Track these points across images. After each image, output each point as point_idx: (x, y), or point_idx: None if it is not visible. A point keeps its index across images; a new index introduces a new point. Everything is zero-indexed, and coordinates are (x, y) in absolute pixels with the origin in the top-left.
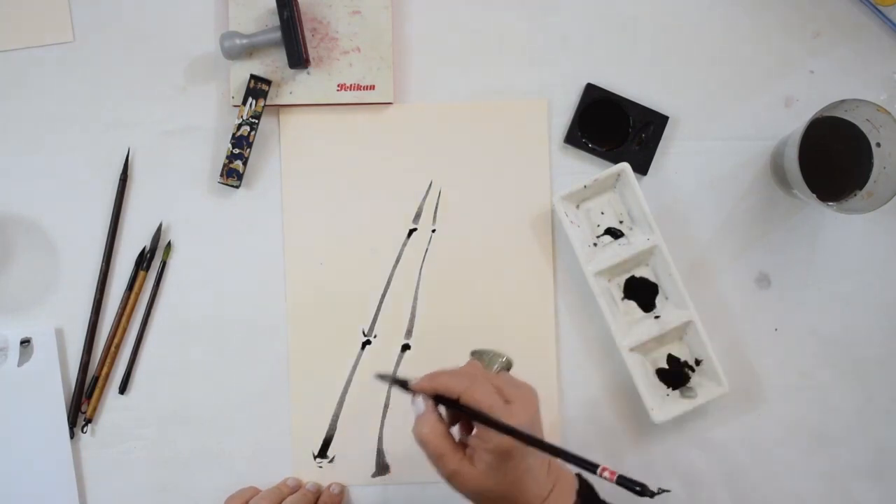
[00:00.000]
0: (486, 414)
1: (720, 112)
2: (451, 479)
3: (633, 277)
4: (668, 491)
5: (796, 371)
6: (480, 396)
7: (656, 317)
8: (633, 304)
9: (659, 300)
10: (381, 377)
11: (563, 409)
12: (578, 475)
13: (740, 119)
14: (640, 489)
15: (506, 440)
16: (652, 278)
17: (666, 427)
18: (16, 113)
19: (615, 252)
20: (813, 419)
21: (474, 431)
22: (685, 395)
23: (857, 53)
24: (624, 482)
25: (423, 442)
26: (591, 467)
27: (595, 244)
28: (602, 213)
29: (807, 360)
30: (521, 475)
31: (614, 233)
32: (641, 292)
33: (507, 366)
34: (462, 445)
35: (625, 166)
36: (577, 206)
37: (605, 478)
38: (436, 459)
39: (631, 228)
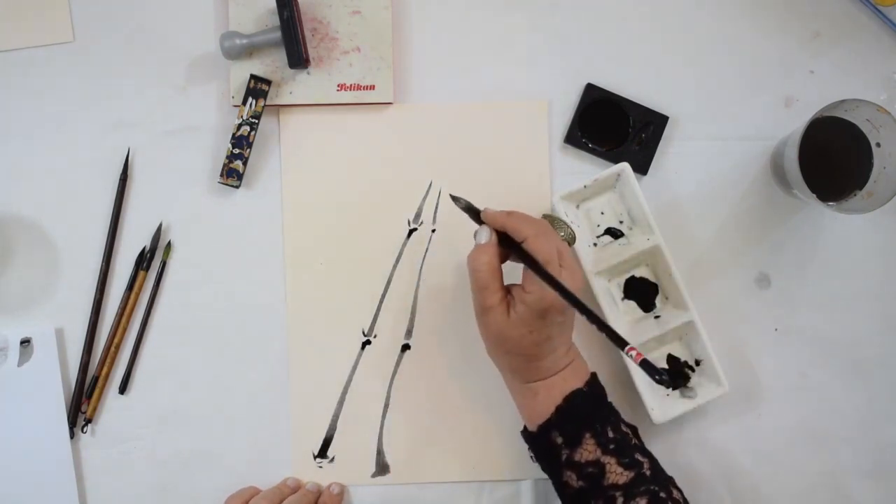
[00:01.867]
0: (541, 264)
1: (720, 112)
2: (484, 314)
3: (633, 277)
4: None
5: (796, 371)
6: (544, 247)
7: (656, 317)
8: (632, 304)
9: (659, 300)
10: (455, 199)
11: None
12: (593, 373)
13: (740, 119)
14: (659, 377)
15: (547, 297)
16: (652, 278)
17: (666, 427)
18: (16, 113)
19: (615, 252)
20: (813, 419)
21: (521, 281)
22: (685, 395)
23: (857, 53)
24: (646, 366)
25: (473, 269)
26: (622, 343)
27: (595, 244)
28: (602, 213)
29: (807, 360)
30: (543, 339)
31: (614, 233)
32: (641, 292)
33: (571, 239)
34: (507, 290)
35: (625, 166)
36: (577, 206)
37: (632, 357)
38: (478, 290)
39: (631, 228)
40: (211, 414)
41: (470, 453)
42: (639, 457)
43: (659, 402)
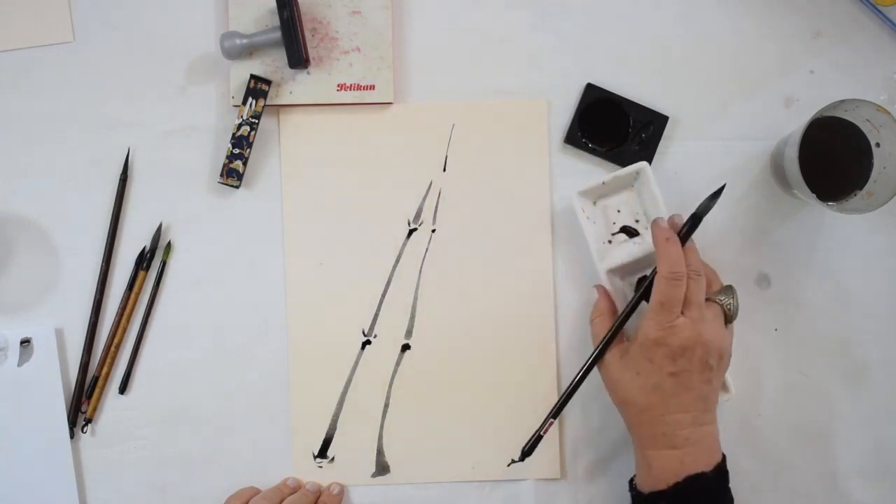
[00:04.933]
0: (651, 293)
1: (720, 112)
2: (601, 366)
3: (645, 277)
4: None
5: (796, 371)
6: (665, 290)
7: None
8: (644, 304)
9: None
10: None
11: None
12: (723, 456)
13: (740, 119)
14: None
15: (649, 331)
16: None
17: None
18: (16, 113)
19: (629, 251)
20: (813, 419)
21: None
22: None
23: (857, 53)
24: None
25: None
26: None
27: (609, 241)
28: (619, 211)
29: (807, 360)
30: (651, 387)
31: (630, 231)
32: None
33: (728, 308)
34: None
35: (644, 165)
36: (595, 203)
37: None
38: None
39: (647, 227)
40: (211, 414)
41: (470, 453)
42: None
43: None
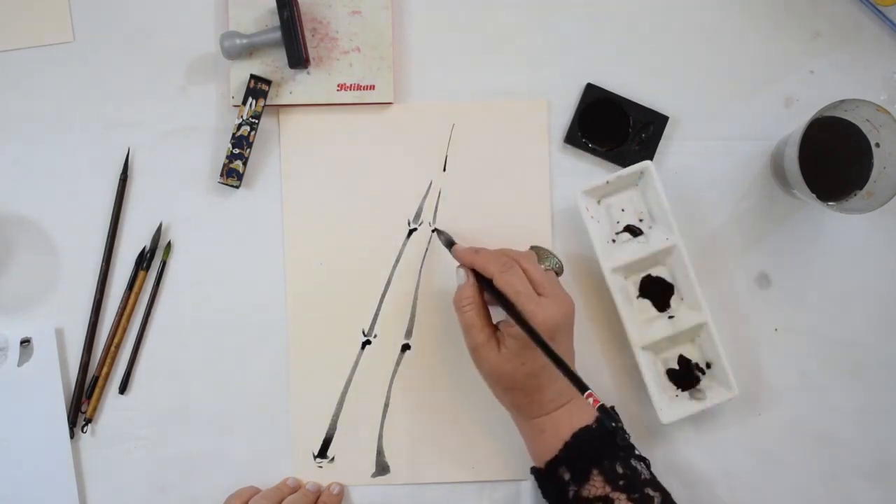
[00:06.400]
0: (509, 299)
1: (720, 112)
2: (475, 353)
3: (649, 276)
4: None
5: (796, 371)
6: (511, 282)
7: (670, 317)
8: (647, 303)
9: (674, 300)
10: (438, 232)
11: None
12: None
13: (740, 119)
14: (615, 424)
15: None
16: (668, 278)
17: (665, 426)
18: (16, 113)
19: (633, 250)
20: (813, 419)
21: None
22: (694, 396)
23: (857, 53)
24: (603, 411)
25: (457, 308)
26: (582, 388)
27: (613, 240)
28: (623, 210)
29: (807, 360)
30: (538, 370)
31: (633, 230)
32: (657, 292)
33: (557, 268)
34: (495, 327)
35: (648, 164)
36: (599, 202)
37: (589, 403)
38: (466, 329)
39: (650, 227)
40: (211, 414)
41: (470, 453)
42: (650, 491)
43: (668, 403)
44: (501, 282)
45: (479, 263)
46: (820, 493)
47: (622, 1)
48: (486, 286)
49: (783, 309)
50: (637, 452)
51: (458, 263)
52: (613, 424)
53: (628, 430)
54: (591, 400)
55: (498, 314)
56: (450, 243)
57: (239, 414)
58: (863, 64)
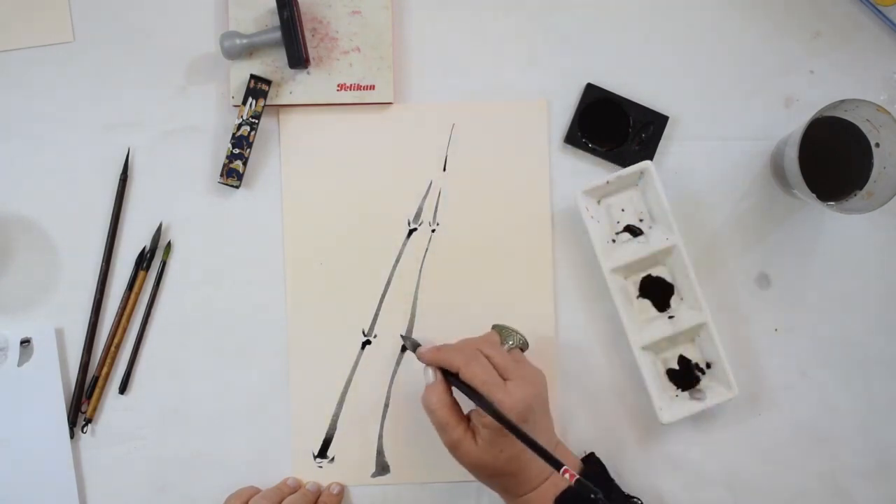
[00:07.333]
0: (478, 391)
1: (720, 112)
2: (452, 450)
3: (649, 276)
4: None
5: (796, 371)
6: (476, 373)
7: (670, 317)
8: (647, 303)
9: (674, 301)
10: (404, 338)
11: (562, 408)
12: (586, 458)
13: (740, 119)
14: (594, 496)
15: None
16: (668, 278)
17: (665, 426)
18: (16, 113)
19: (633, 250)
20: (813, 419)
21: (475, 407)
22: (694, 396)
23: (857, 53)
24: (581, 485)
25: (428, 411)
26: (557, 465)
27: (613, 240)
28: (623, 210)
29: (807, 360)
30: (518, 453)
31: (633, 230)
32: (657, 292)
33: (522, 345)
34: (468, 418)
35: (648, 164)
36: (599, 202)
37: (566, 479)
38: (439, 429)
39: (650, 227)
40: (211, 414)
41: None
42: None
43: (668, 403)
44: (467, 374)
45: (443, 360)
46: (820, 493)
47: (622, 1)
48: (453, 381)
49: (783, 309)
50: (626, 494)
51: (423, 365)
52: (592, 497)
53: (628, 431)
54: (567, 475)
55: (470, 403)
56: (415, 346)
57: (239, 414)
58: (863, 64)
